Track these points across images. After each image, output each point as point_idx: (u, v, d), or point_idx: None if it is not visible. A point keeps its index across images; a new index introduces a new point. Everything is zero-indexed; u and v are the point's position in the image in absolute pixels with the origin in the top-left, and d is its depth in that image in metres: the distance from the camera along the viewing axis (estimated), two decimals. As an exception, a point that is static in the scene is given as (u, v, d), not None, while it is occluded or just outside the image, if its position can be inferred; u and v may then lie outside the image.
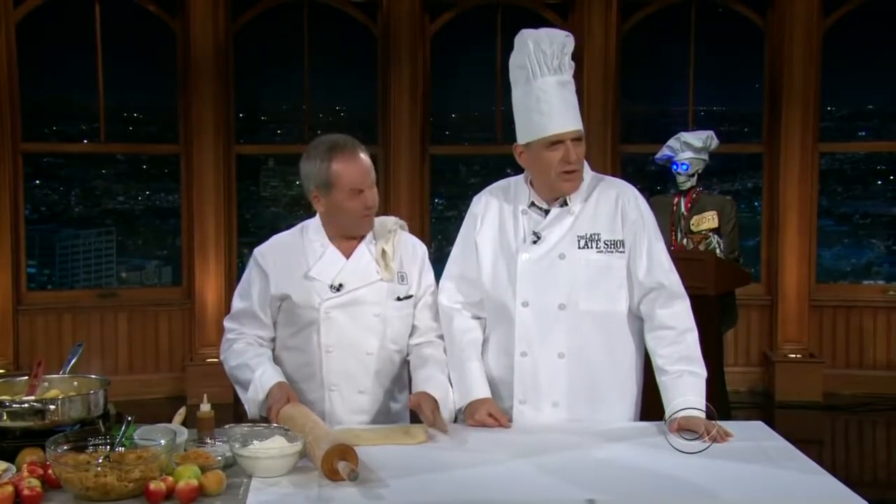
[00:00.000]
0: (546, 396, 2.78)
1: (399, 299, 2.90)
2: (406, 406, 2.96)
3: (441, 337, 2.94)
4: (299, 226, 2.98)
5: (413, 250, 2.98)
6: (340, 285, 2.85)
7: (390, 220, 2.97)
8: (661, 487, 2.26)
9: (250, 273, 2.94)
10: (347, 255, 2.89)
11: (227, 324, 2.97)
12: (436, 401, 2.75)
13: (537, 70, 2.73)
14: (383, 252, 2.89)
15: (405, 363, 2.96)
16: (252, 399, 2.81)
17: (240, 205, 7.27)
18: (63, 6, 6.79)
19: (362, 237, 2.90)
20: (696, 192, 5.57)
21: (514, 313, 2.78)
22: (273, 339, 2.94)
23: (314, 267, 2.86)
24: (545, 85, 2.73)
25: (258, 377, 2.79)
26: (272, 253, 2.92)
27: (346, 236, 2.90)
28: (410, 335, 2.96)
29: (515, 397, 2.81)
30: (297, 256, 2.89)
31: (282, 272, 2.88)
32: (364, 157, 2.83)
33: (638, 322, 2.84)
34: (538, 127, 2.75)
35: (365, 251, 2.89)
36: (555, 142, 2.73)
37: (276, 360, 2.90)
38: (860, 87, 7.38)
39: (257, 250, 2.96)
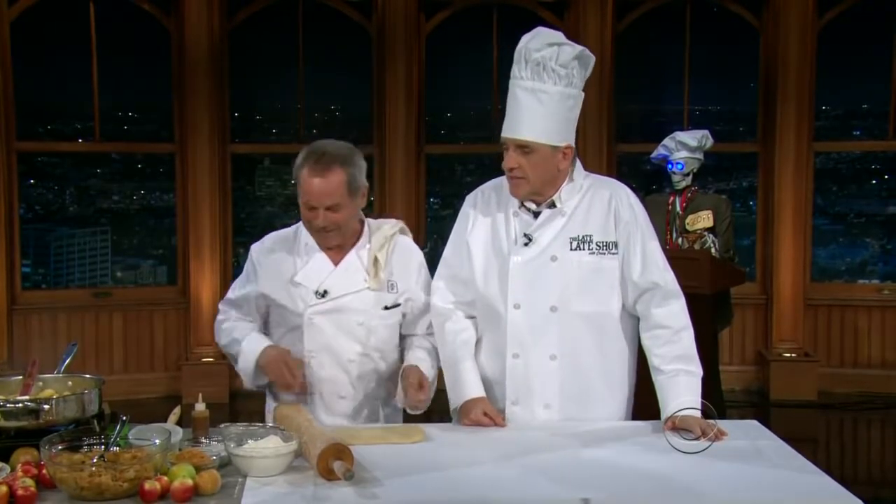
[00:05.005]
0: (538, 398, 2.78)
1: (386, 308, 2.88)
2: (397, 410, 2.96)
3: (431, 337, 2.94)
4: (295, 226, 2.95)
5: (409, 258, 2.94)
6: (325, 292, 2.84)
7: (389, 226, 2.94)
8: (656, 486, 2.26)
9: (246, 267, 2.99)
10: (336, 261, 2.87)
11: (220, 306, 3.05)
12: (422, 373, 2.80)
13: (515, 69, 2.71)
14: (375, 260, 2.86)
15: (395, 369, 2.92)
16: (244, 369, 2.89)
17: (235, 204, 7.25)
18: (57, 5, 6.77)
19: (354, 243, 2.87)
20: (691, 191, 5.58)
21: (506, 315, 2.77)
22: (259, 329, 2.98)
23: (300, 272, 2.86)
24: (514, 86, 2.71)
25: (245, 347, 2.86)
26: (264, 254, 2.94)
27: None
28: (403, 341, 2.96)
29: (507, 399, 2.80)
30: (287, 259, 2.89)
31: (270, 275, 2.89)
32: (333, 178, 2.70)
33: (630, 323, 2.82)
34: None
35: (354, 258, 2.87)
36: (506, 145, 2.73)
37: None
38: (855, 87, 7.39)
39: (254, 247, 2.99)
